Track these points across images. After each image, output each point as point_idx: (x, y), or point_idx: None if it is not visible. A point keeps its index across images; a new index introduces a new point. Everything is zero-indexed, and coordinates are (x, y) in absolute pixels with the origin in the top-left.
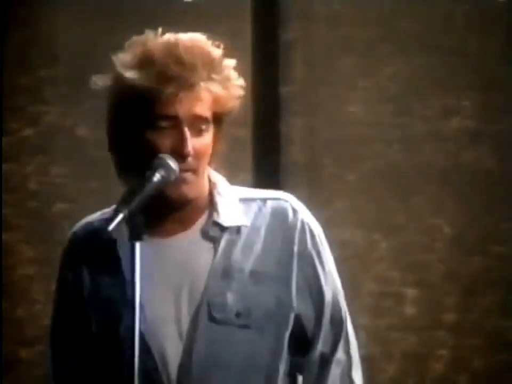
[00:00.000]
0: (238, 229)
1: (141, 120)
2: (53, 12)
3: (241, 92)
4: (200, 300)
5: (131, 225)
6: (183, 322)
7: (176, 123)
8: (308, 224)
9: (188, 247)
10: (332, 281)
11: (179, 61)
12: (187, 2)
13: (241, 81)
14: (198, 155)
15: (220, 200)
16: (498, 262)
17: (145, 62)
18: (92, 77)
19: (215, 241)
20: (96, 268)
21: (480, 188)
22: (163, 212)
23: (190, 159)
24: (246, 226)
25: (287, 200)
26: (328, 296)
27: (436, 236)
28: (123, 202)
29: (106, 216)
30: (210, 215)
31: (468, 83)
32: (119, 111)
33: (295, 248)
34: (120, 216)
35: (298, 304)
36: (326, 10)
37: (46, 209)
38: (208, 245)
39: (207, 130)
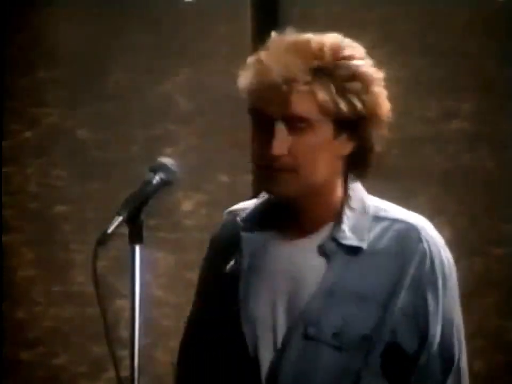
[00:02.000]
0: (356, 249)
1: (253, 123)
2: (53, 13)
3: (354, 98)
4: (300, 313)
5: (131, 228)
6: (279, 332)
7: (272, 122)
8: (431, 252)
9: (301, 257)
10: (446, 316)
11: (279, 62)
12: (188, 3)
13: (358, 87)
14: (295, 154)
15: (347, 215)
16: (499, 264)
17: (257, 67)
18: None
19: (329, 257)
20: (224, 258)
21: (480, 189)
22: (285, 215)
23: (285, 157)
24: (364, 248)
25: (417, 226)
26: (434, 330)
27: None
28: (124, 205)
29: (246, 207)
30: (332, 230)
31: (468, 85)
32: (250, 116)
33: (409, 275)
34: (120, 218)
35: (399, 332)
36: (325, 12)
37: (47, 211)
38: (321, 260)
39: (309, 130)
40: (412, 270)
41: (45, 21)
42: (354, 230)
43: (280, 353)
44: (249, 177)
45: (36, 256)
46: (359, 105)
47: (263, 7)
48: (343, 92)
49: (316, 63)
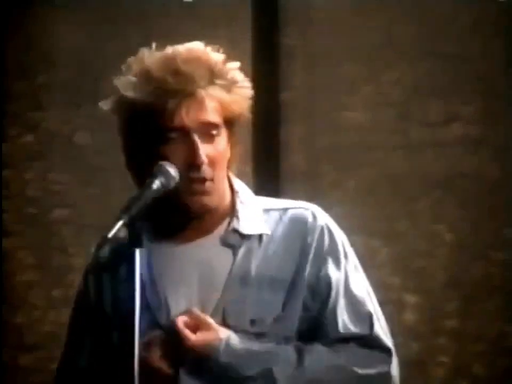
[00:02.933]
0: (258, 237)
1: (151, 136)
2: (51, 17)
3: (249, 93)
4: (215, 306)
5: (131, 232)
6: None
7: (185, 133)
8: (327, 228)
9: (207, 253)
10: (344, 281)
11: (177, 72)
12: (187, 4)
13: (247, 83)
14: (213, 162)
15: (241, 208)
16: (500, 268)
17: (144, 79)
18: (99, 104)
19: (234, 248)
20: (115, 275)
21: (482, 194)
22: (183, 218)
23: (205, 167)
24: (266, 234)
25: (308, 208)
26: (336, 289)
27: (437, 242)
28: (124, 209)
29: None
30: (230, 223)
31: (470, 89)
32: (129, 131)
33: (311, 250)
34: (120, 223)
35: (307, 300)
36: (327, 15)
37: (45, 216)
38: (227, 252)
39: (218, 135)
40: (313, 245)
41: (44, 24)
42: (250, 220)
43: None
44: (248, 181)
45: (35, 260)
46: (241, 107)
47: (264, 7)
48: (235, 95)
49: (212, 69)
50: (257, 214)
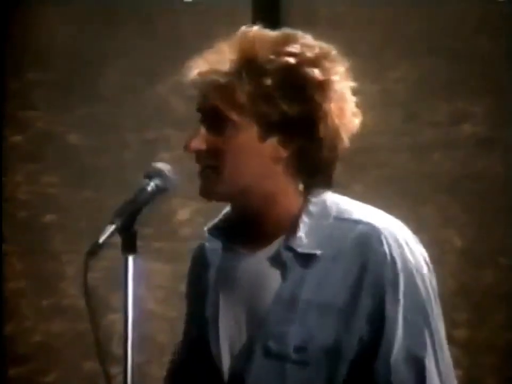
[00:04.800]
0: (312, 256)
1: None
2: (44, 13)
3: (286, 103)
4: (258, 327)
5: (124, 238)
6: (239, 347)
7: (200, 119)
8: (391, 254)
9: (258, 267)
10: (405, 316)
11: (207, 59)
12: (186, 3)
13: (288, 90)
14: (214, 152)
15: (305, 221)
16: (510, 275)
17: (196, 62)
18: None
19: (285, 266)
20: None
21: (492, 197)
22: (242, 224)
23: (205, 155)
24: (322, 254)
25: (379, 228)
26: (391, 327)
27: (445, 248)
28: (118, 213)
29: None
30: (287, 237)
31: (479, 87)
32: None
33: (368, 278)
34: (112, 227)
35: (361, 333)
36: (329, 12)
37: (36, 220)
38: (276, 270)
39: (231, 130)
40: (371, 273)
41: (35, 21)
42: (311, 236)
43: (238, 371)
44: None
45: (25, 267)
46: (285, 107)
47: (264, 4)
48: (266, 91)
49: (242, 57)
50: (323, 228)
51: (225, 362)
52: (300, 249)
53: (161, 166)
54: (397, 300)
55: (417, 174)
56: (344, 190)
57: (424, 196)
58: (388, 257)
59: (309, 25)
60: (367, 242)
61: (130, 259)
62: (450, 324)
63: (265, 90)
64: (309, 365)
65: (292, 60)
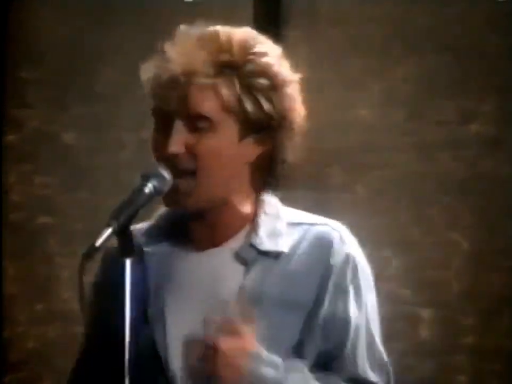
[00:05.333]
0: (276, 255)
1: (154, 120)
2: (37, 7)
3: (267, 101)
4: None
5: (121, 240)
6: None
7: (169, 119)
8: (352, 258)
9: (217, 265)
10: (366, 323)
11: (182, 54)
12: (186, 3)
13: (269, 83)
14: (194, 154)
15: (263, 221)
16: None
17: (160, 57)
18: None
19: (248, 264)
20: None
21: (500, 199)
22: (192, 222)
23: (182, 157)
24: (285, 252)
25: (336, 228)
26: (353, 335)
27: (452, 251)
28: (114, 215)
29: (150, 222)
30: (248, 236)
31: (487, 85)
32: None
33: (332, 281)
34: (109, 230)
35: (322, 340)
36: (333, 6)
37: (30, 222)
38: (239, 267)
39: (210, 130)
40: (335, 271)
41: (28, 16)
42: (271, 235)
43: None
44: None
45: (18, 271)
46: (266, 105)
47: (265, 3)
48: (249, 89)
49: (221, 56)
50: (280, 228)
51: (175, 361)
52: (262, 247)
53: (158, 167)
54: (360, 300)
55: (422, 174)
56: (344, 191)
57: (429, 198)
58: (350, 257)
59: (310, 22)
60: (328, 241)
61: (128, 262)
62: (458, 330)
63: (249, 89)
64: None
65: (269, 60)
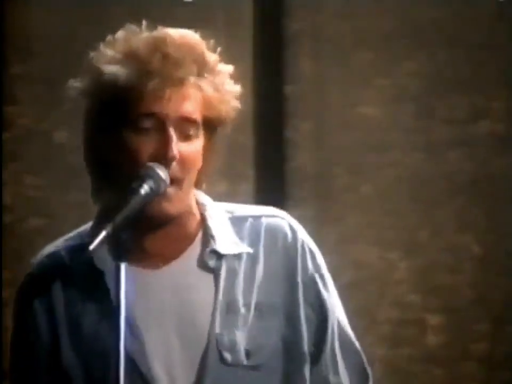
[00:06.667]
0: (238, 257)
1: (123, 121)
2: (26, 1)
3: (236, 102)
4: (207, 339)
5: (115, 245)
6: (186, 365)
7: (160, 123)
8: (307, 245)
9: (183, 279)
10: (337, 304)
11: (165, 56)
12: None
13: (237, 89)
14: (184, 163)
15: (212, 224)
16: None
17: (128, 56)
18: (68, 82)
19: (214, 271)
20: (73, 303)
21: None
22: (143, 235)
23: (174, 166)
24: (247, 253)
25: (284, 217)
26: (333, 320)
27: (462, 255)
28: (103, 219)
29: (71, 243)
30: (205, 242)
31: (498, 81)
32: (97, 113)
33: (299, 276)
34: (103, 234)
35: (308, 336)
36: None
37: (20, 225)
38: (206, 276)
39: (196, 135)
40: (299, 267)
41: (19, 9)
42: (225, 237)
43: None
44: (250, 186)
45: (9, 276)
46: (224, 107)
47: None
48: (223, 94)
49: (203, 60)
50: (228, 227)
51: (160, 378)
52: (224, 251)
53: (154, 166)
54: (327, 289)
55: (432, 174)
56: (350, 191)
57: (439, 199)
58: (305, 245)
59: (314, 15)
60: (282, 233)
61: (123, 267)
62: (469, 337)
63: (221, 91)
64: (262, 368)
65: (217, 60)
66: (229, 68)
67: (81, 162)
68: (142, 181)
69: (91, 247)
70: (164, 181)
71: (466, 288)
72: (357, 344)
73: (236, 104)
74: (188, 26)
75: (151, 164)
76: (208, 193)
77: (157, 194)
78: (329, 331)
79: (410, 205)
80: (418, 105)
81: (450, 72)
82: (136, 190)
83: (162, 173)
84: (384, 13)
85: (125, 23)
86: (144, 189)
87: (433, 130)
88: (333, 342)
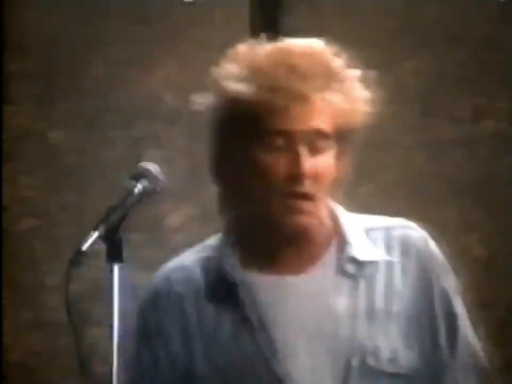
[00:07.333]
0: (375, 264)
1: (252, 140)
2: (23, 0)
3: (366, 107)
4: (351, 346)
5: (109, 245)
6: (332, 369)
7: (289, 140)
8: (441, 257)
9: (322, 286)
10: (465, 317)
11: (292, 70)
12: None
13: (366, 94)
14: (317, 178)
15: (348, 231)
16: None
17: (254, 72)
18: (191, 97)
19: (354, 278)
20: (207, 318)
21: None
22: (279, 244)
23: (307, 182)
24: (384, 260)
25: (417, 229)
26: (463, 337)
27: (466, 257)
28: (102, 219)
29: (199, 255)
30: (341, 248)
31: (501, 81)
32: (225, 132)
33: (434, 287)
34: (95, 234)
35: (443, 343)
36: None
37: (14, 226)
38: (346, 283)
39: (327, 147)
40: (433, 277)
41: (15, 8)
42: (362, 244)
43: None
44: None
45: (3, 276)
46: (356, 120)
47: None
48: (353, 105)
49: (330, 71)
50: (363, 235)
51: (305, 378)
52: (363, 258)
53: (149, 166)
54: (456, 300)
55: (435, 174)
56: (351, 191)
57: (443, 199)
58: (440, 259)
59: (313, 13)
60: (415, 245)
61: (116, 269)
62: None
63: (349, 99)
64: (403, 377)
65: (343, 66)
66: (357, 73)
67: (76, 163)
68: (136, 180)
69: (83, 247)
70: (158, 179)
71: (469, 291)
72: (484, 361)
73: (367, 109)
74: (188, 26)
75: (145, 162)
76: (203, 194)
77: (152, 193)
78: (460, 346)
79: (412, 205)
80: (420, 104)
81: (453, 72)
82: (130, 190)
83: (155, 171)
84: (386, 10)
85: (124, 23)
86: (138, 188)
87: (435, 130)
88: (463, 357)
